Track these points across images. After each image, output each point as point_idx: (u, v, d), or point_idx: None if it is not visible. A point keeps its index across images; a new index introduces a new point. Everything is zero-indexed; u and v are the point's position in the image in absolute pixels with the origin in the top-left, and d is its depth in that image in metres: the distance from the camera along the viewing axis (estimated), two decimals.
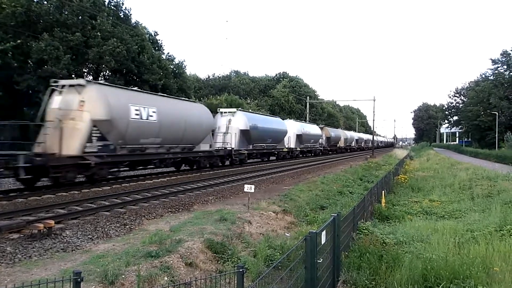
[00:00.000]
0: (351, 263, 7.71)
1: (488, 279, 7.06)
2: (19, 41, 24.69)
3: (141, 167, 20.50)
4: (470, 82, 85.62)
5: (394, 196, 19.12)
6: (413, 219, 13.33)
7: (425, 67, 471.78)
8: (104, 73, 33.49)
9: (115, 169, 17.28)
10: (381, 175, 21.92)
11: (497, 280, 7.01)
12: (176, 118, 20.26)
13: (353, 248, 8.46)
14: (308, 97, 66.70)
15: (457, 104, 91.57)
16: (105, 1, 32.83)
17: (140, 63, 32.91)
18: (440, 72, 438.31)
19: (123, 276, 6.06)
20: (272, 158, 37.18)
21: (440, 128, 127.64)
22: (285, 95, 72.28)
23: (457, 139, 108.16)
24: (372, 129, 66.45)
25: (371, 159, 42.85)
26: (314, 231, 5.42)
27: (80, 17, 29.30)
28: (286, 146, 39.22)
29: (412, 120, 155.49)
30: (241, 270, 3.97)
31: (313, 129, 49.41)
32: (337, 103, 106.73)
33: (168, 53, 50.93)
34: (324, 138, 54.18)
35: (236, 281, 4.03)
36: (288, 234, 10.62)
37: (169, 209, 11.86)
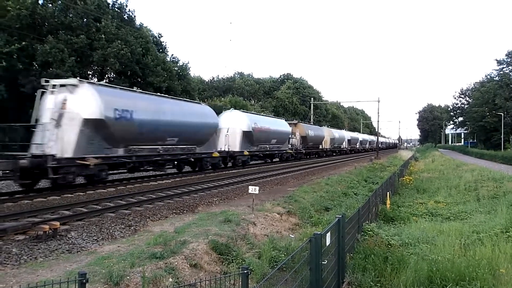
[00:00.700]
0: (356, 264, 7.68)
1: (494, 280, 7.02)
2: (24, 43, 24.87)
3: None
4: (475, 83, 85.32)
5: (399, 198, 19.05)
6: (419, 221, 13.26)
7: (430, 68, 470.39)
8: (109, 75, 33.63)
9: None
10: (386, 177, 21.85)
11: (503, 282, 6.96)
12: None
13: (358, 249, 8.43)
14: (312, 98, 66.69)
15: (462, 105, 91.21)
16: (109, 4, 32.98)
17: (144, 65, 33.03)
18: (445, 73, 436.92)
19: (128, 277, 6.07)
20: (275, 159, 37.09)
21: (445, 129, 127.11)
22: (289, 97, 72.31)
23: (462, 140, 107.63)
24: (376, 130, 66.25)
25: (375, 161, 42.74)
26: (319, 232, 5.41)
27: (84, 20, 29.46)
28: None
29: (417, 121, 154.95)
30: (245, 271, 3.97)
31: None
32: (341, 104, 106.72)
33: (172, 55, 51.26)
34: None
35: (240, 282, 4.02)
36: (292, 236, 10.60)
37: (174, 211, 11.87)
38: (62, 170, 13.88)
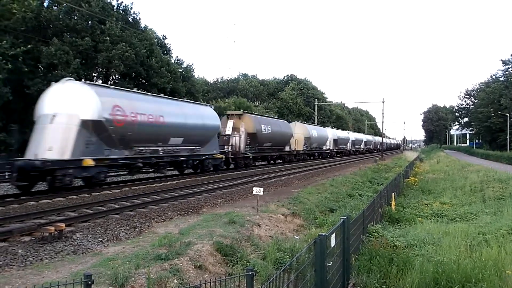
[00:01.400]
0: (361, 266, 7.65)
1: (500, 282, 6.97)
2: (29, 46, 25.02)
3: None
4: (481, 83, 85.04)
5: (404, 199, 18.98)
6: (424, 222, 13.21)
7: (435, 69, 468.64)
8: (113, 77, 33.76)
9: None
10: (391, 178, 21.77)
11: (510, 283, 6.92)
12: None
13: (363, 251, 8.40)
14: (316, 99, 66.61)
15: (468, 106, 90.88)
16: (114, 6, 33.13)
17: (148, 67, 33.13)
18: (450, 73, 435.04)
19: (133, 279, 6.08)
20: (278, 161, 36.95)
21: (450, 130, 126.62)
22: (294, 98, 72.30)
23: (467, 141, 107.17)
24: (381, 131, 66.06)
25: (380, 162, 42.59)
26: (324, 234, 5.39)
27: (89, 22, 29.60)
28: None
29: (422, 122, 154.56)
30: (250, 273, 3.96)
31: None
32: (345, 105, 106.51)
33: (177, 56, 51.34)
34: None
35: (245, 284, 4.01)
36: (297, 237, 10.58)
37: (178, 212, 11.89)
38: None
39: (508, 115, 60.10)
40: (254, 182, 19.69)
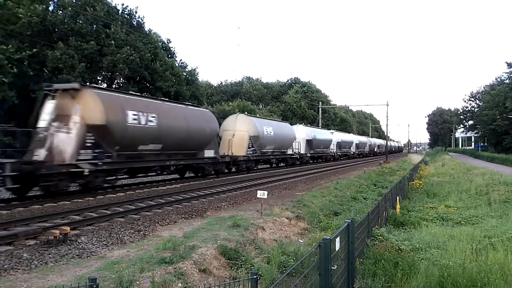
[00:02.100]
0: (366, 270, 7.62)
1: (506, 286, 6.93)
2: (35, 50, 25.19)
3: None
4: (486, 86, 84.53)
5: (409, 202, 18.90)
6: (429, 225, 13.15)
7: (439, 71, 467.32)
8: (118, 80, 33.93)
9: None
10: (396, 181, 21.70)
11: None
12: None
13: (367, 254, 8.37)
14: (320, 102, 66.55)
15: (472, 108, 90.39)
16: (118, 10, 33.33)
17: (153, 71, 33.26)
18: (454, 76, 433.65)
19: (138, 282, 6.09)
20: (281, 164, 36.50)
21: (455, 133, 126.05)
22: (297, 101, 72.27)
23: (472, 143, 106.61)
24: (385, 134, 65.88)
25: (385, 165, 42.45)
26: (328, 237, 5.39)
27: (94, 26, 29.78)
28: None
29: (427, 125, 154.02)
30: (254, 276, 3.96)
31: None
32: (350, 108, 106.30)
33: (181, 60, 51.49)
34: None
35: (250, 287, 4.01)
36: (301, 241, 10.56)
37: (183, 215, 11.90)
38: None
39: None
40: (257, 186, 19.69)
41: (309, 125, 52.38)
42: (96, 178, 15.04)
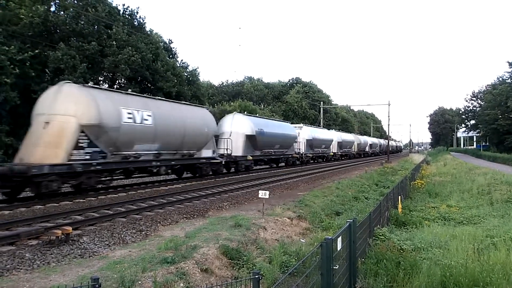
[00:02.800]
0: (368, 269, 7.62)
1: (508, 286, 6.91)
2: (36, 51, 25.22)
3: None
4: (487, 85, 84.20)
5: (410, 202, 18.87)
6: (431, 225, 13.13)
7: (441, 71, 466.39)
8: (120, 81, 33.94)
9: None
10: (397, 180, 21.67)
11: None
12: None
13: (369, 254, 8.37)
14: (321, 102, 66.52)
15: (474, 108, 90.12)
16: (120, 11, 33.36)
17: (154, 71, 33.29)
18: (456, 75, 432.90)
19: (140, 282, 6.10)
20: (281, 164, 36.13)
21: (457, 133, 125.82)
22: (299, 101, 72.26)
23: (474, 143, 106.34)
24: (387, 134, 65.81)
25: (386, 164, 42.40)
26: (330, 237, 5.39)
27: (95, 27, 29.80)
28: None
29: (428, 125, 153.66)
30: (256, 276, 3.96)
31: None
32: (351, 108, 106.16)
33: (182, 60, 51.52)
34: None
35: (251, 287, 4.01)
36: (303, 240, 10.56)
37: (184, 215, 11.91)
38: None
39: None
40: (258, 186, 19.68)
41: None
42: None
